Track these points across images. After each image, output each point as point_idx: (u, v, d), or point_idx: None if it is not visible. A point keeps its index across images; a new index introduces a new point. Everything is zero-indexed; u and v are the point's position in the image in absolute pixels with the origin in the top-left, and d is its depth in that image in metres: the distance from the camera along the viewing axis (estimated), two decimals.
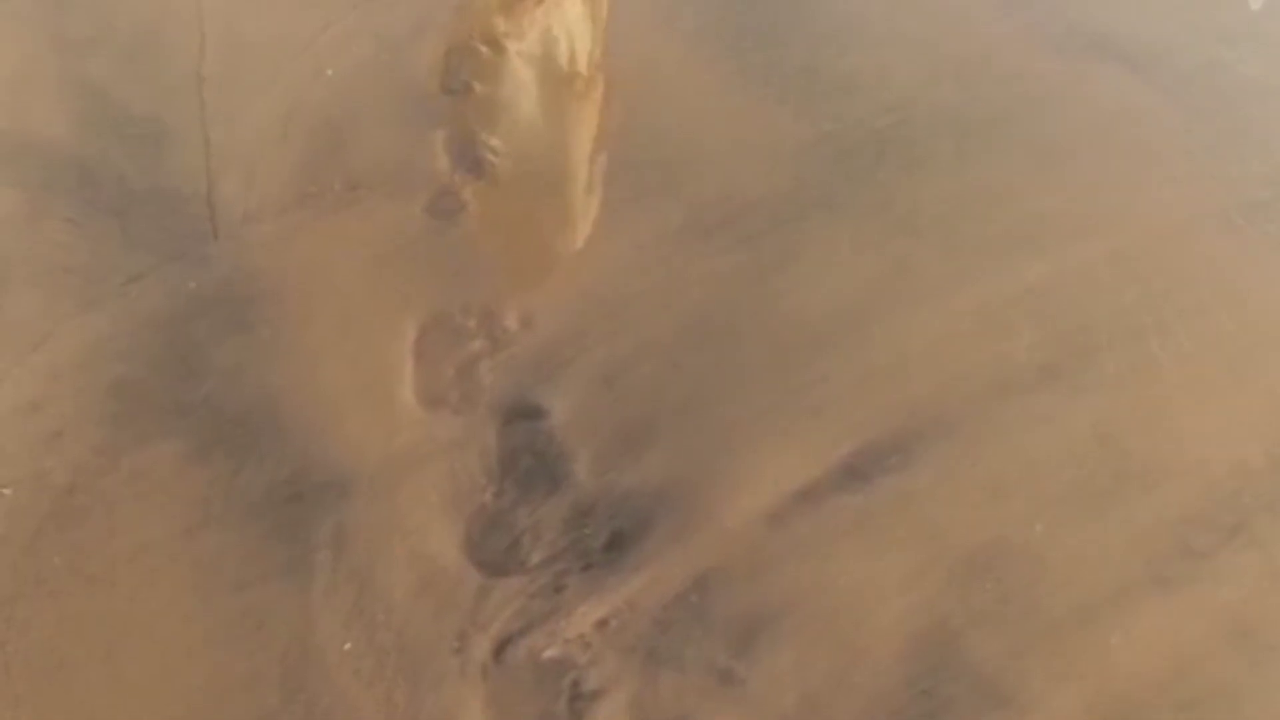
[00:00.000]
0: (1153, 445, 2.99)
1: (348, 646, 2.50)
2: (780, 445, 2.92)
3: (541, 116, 3.77)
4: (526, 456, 2.88)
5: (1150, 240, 3.50)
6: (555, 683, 2.49)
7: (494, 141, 3.64)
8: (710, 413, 2.99)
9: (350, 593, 2.59)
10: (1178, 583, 2.74)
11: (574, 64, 3.93)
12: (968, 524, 2.79)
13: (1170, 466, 2.94)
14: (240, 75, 3.78)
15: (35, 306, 3.09)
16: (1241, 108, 3.99)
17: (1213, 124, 3.93)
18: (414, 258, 3.30)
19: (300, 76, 3.80)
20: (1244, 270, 3.45)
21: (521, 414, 2.96)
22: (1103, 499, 2.86)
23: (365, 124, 3.67)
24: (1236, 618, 2.69)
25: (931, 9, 4.29)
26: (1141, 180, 3.71)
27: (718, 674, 2.52)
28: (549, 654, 2.51)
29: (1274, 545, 2.82)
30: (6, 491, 2.71)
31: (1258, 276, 3.44)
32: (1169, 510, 2.86)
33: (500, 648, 2.51)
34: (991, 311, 3.26)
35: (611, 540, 2.71)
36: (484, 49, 3.97)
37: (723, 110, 3.85)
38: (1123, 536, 2.80)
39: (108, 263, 3.21)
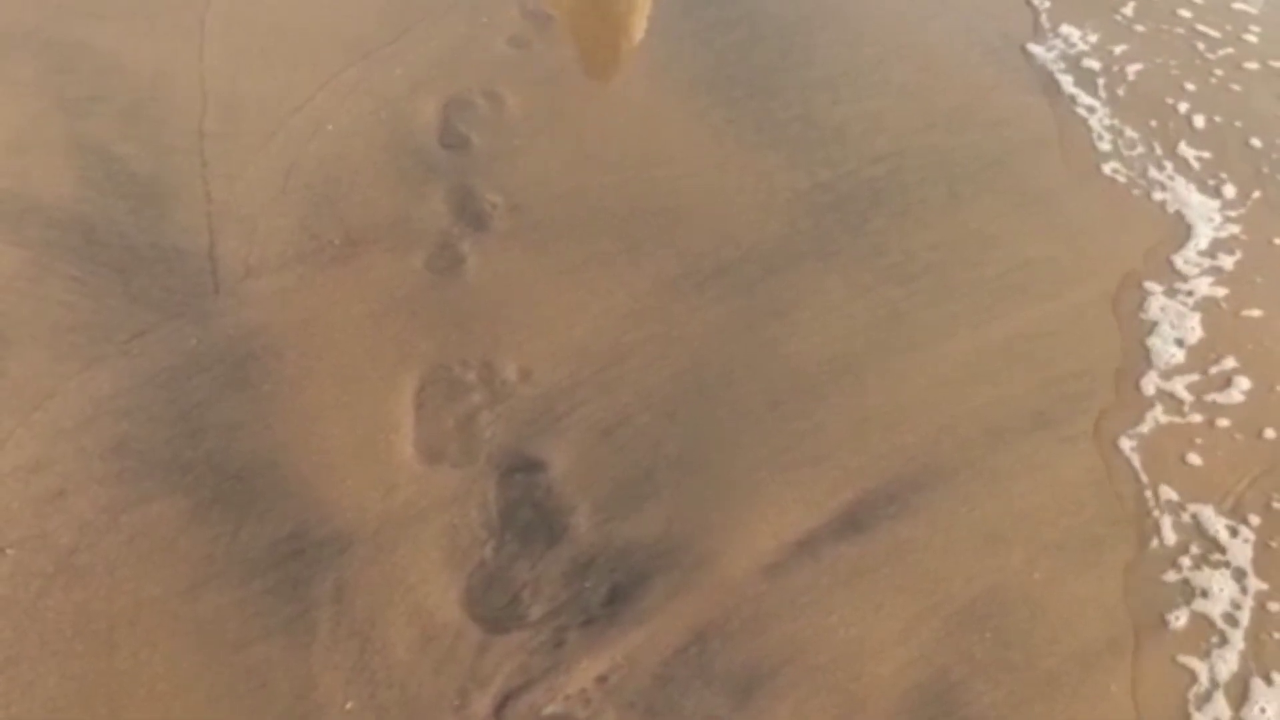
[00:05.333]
0: (1146, 490, 3.00)
1: (349, 705, 2.51)
2: (778, 495, 2.94)
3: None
4: (526, 510, 2.90)
5: (1141, 285, 3.53)
6: None
7: (492, 195, 3.69)
8: (708, 463, 3.01)
9: (351, 650, 2.60)
10: (1175, 629, 2.75)
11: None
12: (965, 573, 2.80)
13: (1164, 511, 2.96)
14: (241, 132, 3.84)
15: (39, 365, 3.12)
16: None
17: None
18: (413, 312, 3.33)
19: (300, 132, 3.85)
20: None
21: (520, 467, 2.98)
22: (1099, 545, 2.88)
23: (364, 179, 3.72)
24: (1234, 664, 2.70)
25: (921, 57, 4.36)
26: (1130, 224, 3.75)
27: None
28: (550, 710, 2.52)
29: (1267, 589, 2.84)
30: (10, 552, 2.73)
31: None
32: (1164, 555, 2.88)
33: (501, 704, 2.52)
34: (984, 358, 3.30)
35: (611, 594, 2.73)
36: (481, 102, 4.03)
37: (716, 160, 3.90)
38: (1119, 583, 2.81)
39: (110, 320, 3.24)
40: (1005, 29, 4.54)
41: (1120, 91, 4.32)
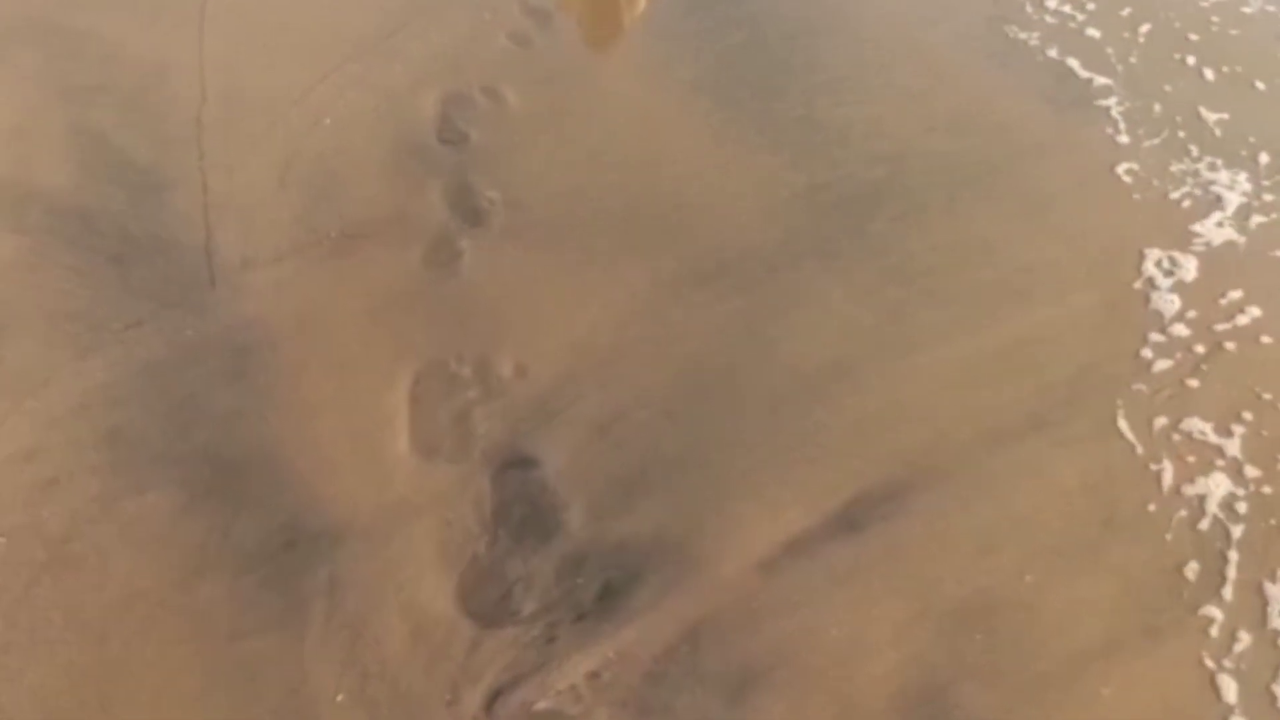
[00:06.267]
0: (1141, 494, 3.00)
1: (340, 698, 2.50)
2: (774, 495, 2.94)
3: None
4: (520, 506, 2.89)
5: (1138, 289, 3.53)
6: None
7: (491, 191, 3.68)
8: (704, 462, 3.00)
9: (343, 643, 2.59)
10: (1168, 633, 2.74)
11: None
12: (959, 575, 2.79)
13: (1159, 515, 2.96)
14: (239, 124, 3.83)
15: (34, 353, 3.12)
16: None
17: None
18: (410, 306, 3.33)
19: (299, 126, 3.85)
20: None
21: (515, 463, 2.98)
22: (1093, 549, 2.88)
23: (363, 173, 3.72)
24: (1227, 668, 2.70)
25: (925, 60, 4.35)
26: (1131, 230, 3.75)
27: None
28: (540, 706, 2.51)
29: (1262, 593, 2.83)
30: (1, 540, 2.72)
31: None
32: (1159, 560, 2.87)
33: (492, 700, 2.52)
34: (983, 361, 3.29)
35: (604, 591, 2.72)
36: (480, 98, 4.03)
37: (717, 160, 3.90)
38: (1113, 587, 2.81)
39: (106, 309, 3.24)
40: (1009, 29, 4.54)
41: (1133, 59, 4.33)
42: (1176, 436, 3.10)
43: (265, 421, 3.01)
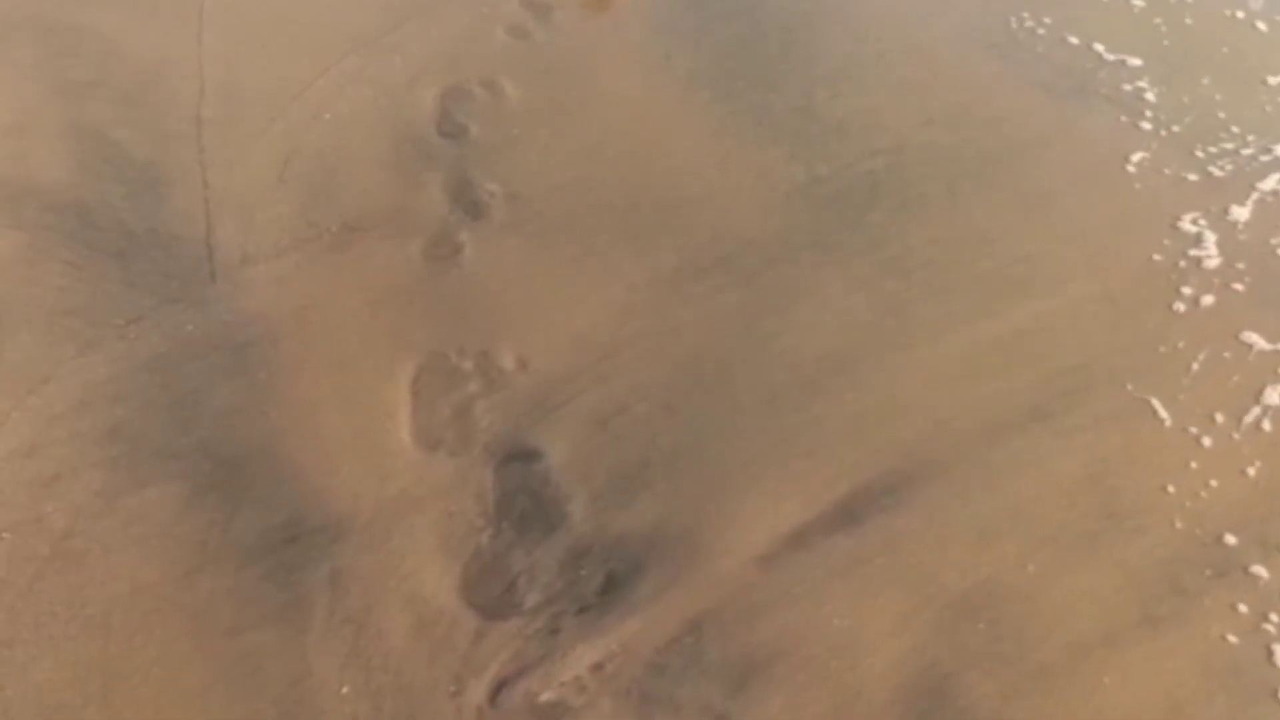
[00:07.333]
0: (1142, 485, 3.01)
1: (345, 690, 2.51)
2: (774, 487, 2.94)
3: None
4: (522, 498, 2.90)
5: (1139, 281, 3.54)
6: None
7: (491, 184, 3.68)
8: (704, 455, 3.01)
9: (347, 636, 2.60)
10: (1169, 622, 2.76)
11: None
12: (959, 566, 2.80)
13: (1160, 505, 2.97)
14: (239, 119, 3.83)
15: (34, 349, 3.12)
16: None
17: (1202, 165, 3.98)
18: (411, 300, 3.33)
19: (298, 121, 3.84)
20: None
21: (517, 456, 2.98)
22: (1093, 539, 2.89)
23: (362, 167, 3.71)
24: (1227, 657, 2.71)
25: (923, 52, 4.35)
26: (1130, 221, 3.75)
27: (712, 717, 2.53)
28: (545, 697, 2.52)
29: (1263, 583, 2.84)
30: (5, 535, 2.72)
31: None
32: (1159, 550, 2.88)
33: (496, 691, 2.52)
34: (982, 353, 3.30)
35: (607, 583, 2.73)
36: (480, 92, 4.03)
37: (715, 153, 3.90)
38: (1113, 577, 2.82)
39: (107, 305, 3.24)
40: (1010, 22, 4.53)
41: (1178, 27, 4.35)
42: (1227, 354, 3.09)
43: (266, 416, 3.01)
